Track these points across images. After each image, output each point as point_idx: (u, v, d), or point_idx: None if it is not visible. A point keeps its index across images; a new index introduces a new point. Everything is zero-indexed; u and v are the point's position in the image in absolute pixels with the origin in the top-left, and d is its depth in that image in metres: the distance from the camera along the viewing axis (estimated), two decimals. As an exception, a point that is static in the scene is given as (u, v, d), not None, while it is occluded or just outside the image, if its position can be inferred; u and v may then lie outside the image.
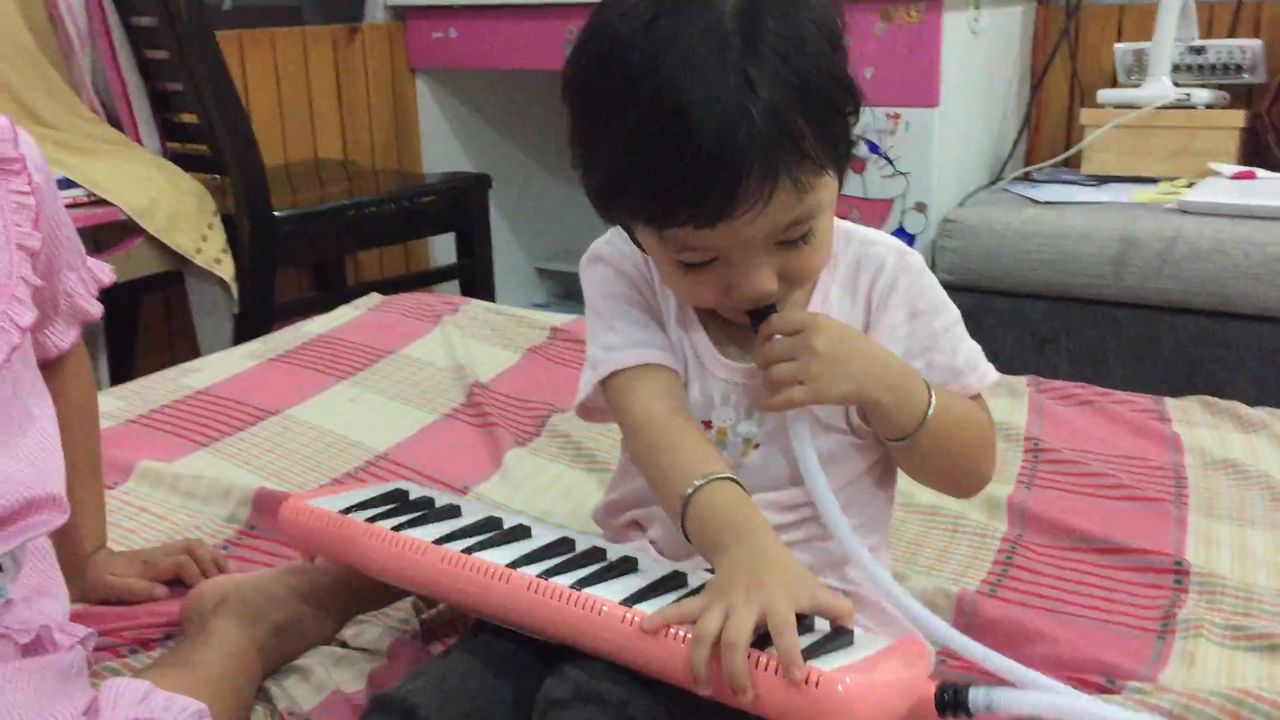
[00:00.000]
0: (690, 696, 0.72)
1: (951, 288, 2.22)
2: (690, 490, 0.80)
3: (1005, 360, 2.25)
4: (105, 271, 1.03)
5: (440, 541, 0.84)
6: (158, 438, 1.40)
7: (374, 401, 1.53)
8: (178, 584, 1.08)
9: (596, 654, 0.75)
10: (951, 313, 0.91)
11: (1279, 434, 1.41)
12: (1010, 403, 1.52)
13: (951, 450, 0.87)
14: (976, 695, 0.69)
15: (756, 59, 0.74)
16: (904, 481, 0.97)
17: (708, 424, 0.89)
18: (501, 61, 2.79)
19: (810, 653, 0.68)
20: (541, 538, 0.85)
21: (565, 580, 0.77)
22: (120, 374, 2.22)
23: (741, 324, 0.86)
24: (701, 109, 0.73)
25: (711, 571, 0.77)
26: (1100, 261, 2.11)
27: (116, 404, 1.49)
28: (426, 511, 0.91)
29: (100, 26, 2.14)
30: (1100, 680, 0.92)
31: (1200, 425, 1.45)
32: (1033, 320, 2.21)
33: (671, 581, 0.78)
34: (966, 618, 1.02)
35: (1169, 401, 1.52)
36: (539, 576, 0.78)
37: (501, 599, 0.79)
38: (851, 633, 0.72)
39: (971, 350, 0.91)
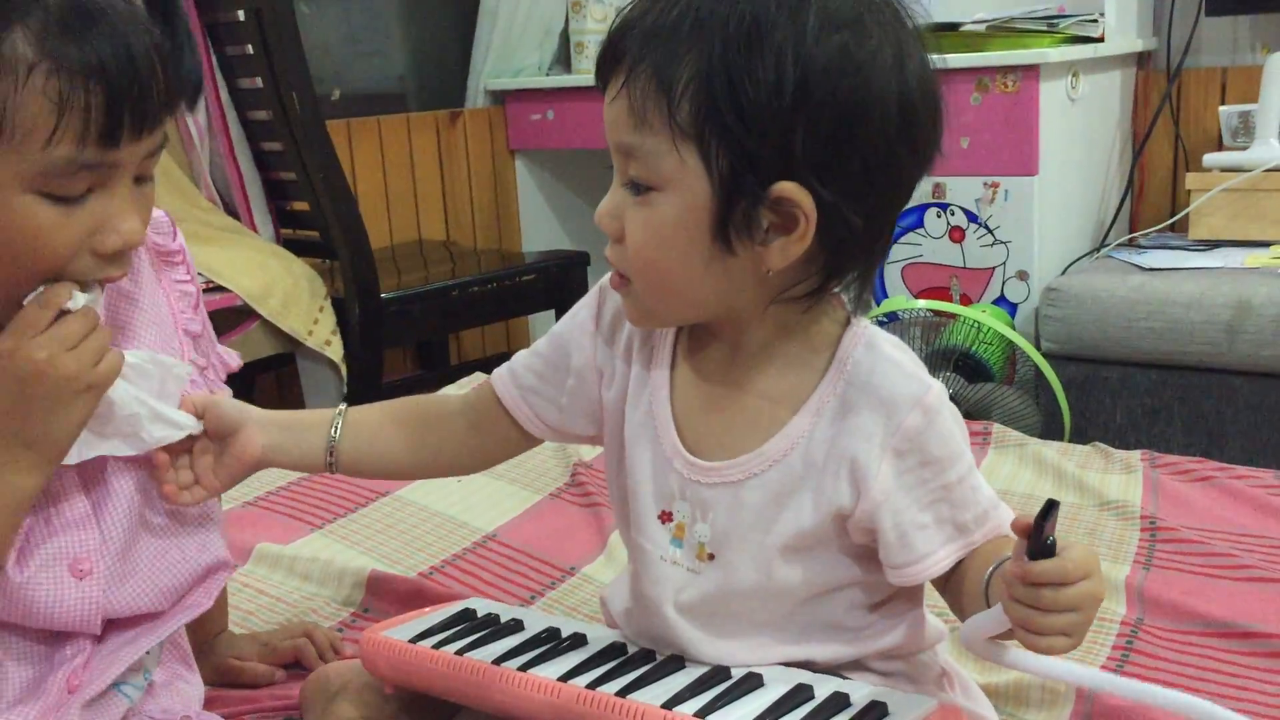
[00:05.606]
0: None
1: (1057, 357, 2.22)
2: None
3: (1115, 432, 2.21)
4: (233, 358, 1.07)
5: (500, 660, 0.86)
6: (274, 520, 1.44)
7: (480, 481, 1.55)
8: (296, 666, 1.11)
9: None
10: (965, 461, 0.81)
11: None
12: (1125, 479, 1.48)
13: None
14: None
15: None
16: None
17: (668, 515, 0.85)
18: (598, 141, 2.82)
19: None
20: (597, 644, 0.89)
21: (610, 688, 0.80)
22: (235, 453, 2.29)
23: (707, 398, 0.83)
24: None
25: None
26: (1213, 328, 2.06)
27: (235, 487, 1.53)
28: (492, 629, 0.94)
29: (219, 123, 2.24)
30: (1233, 774, 0.89)
31: (1327, 501, 1.40)
32: (1143, 390, 2.15)
33: (717, 678, 0.80)
34: (1088, 704, 0.99)
35: (1292, 476, 1.47)
36: (586, 687, 0.80)
37: (554, 712, 0.81)
38: (884, 706, 0.73)
39: (982, 503, 0.81)
